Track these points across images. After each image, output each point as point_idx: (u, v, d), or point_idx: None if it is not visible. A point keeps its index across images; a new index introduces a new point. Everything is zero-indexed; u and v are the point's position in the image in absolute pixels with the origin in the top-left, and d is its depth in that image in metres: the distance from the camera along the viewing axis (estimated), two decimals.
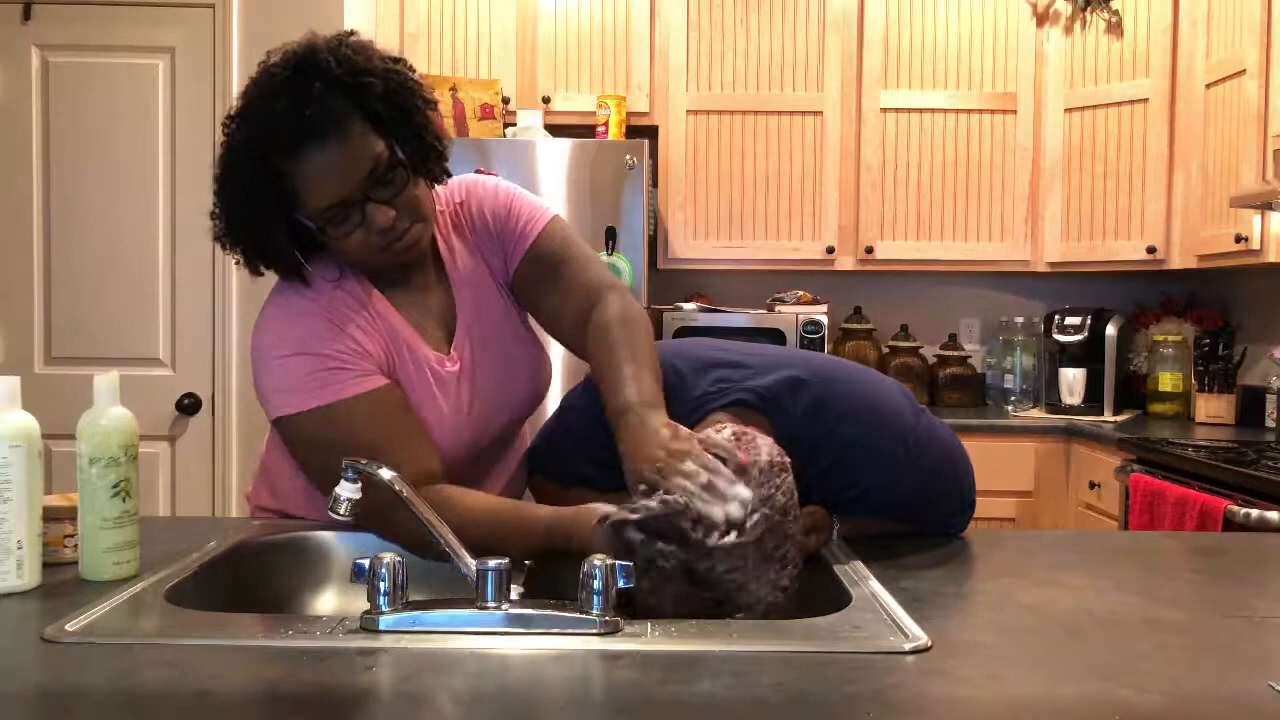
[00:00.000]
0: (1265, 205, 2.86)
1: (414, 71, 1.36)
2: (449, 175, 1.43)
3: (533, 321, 1.54)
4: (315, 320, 1.32)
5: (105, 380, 1.15)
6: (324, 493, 1.28)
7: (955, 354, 3.90)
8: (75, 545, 1.18)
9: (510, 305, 1.50)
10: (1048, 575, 1.24)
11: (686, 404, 1.33)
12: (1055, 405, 3.69)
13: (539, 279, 1.46)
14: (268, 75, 1.27)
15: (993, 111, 3.70)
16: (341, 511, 1.11)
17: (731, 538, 1.08)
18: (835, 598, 1.12)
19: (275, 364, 1.31)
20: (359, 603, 1.01)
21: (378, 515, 1.22)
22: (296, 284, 1.36)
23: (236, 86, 3.23)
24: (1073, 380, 3.66)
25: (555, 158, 3.32)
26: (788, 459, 1.17)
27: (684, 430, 1.20)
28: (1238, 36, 3.09)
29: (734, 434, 1.17)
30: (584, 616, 0.98)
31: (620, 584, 0.99)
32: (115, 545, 1.15)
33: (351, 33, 1.34)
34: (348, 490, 1.11)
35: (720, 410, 1.30)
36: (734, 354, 1.39)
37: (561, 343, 1.49)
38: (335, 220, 1.28)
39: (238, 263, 1.36)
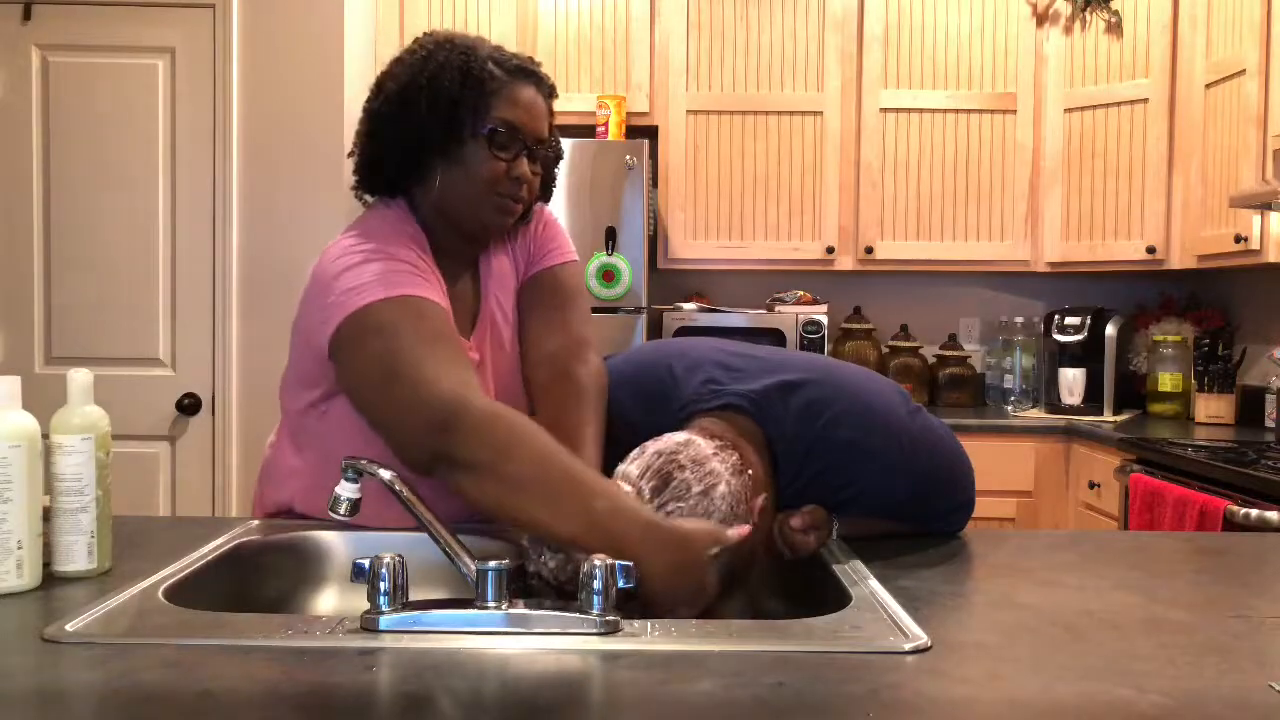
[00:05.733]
0: (1265, 205, 2.86)
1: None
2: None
3: None
4: (387, 242, 1.38)
5: (78, 377, 1.16)
6: (376, 406, 1.29)
7: (955, 354, 3.90)
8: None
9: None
10: (1048, 575, 1.24)
11: (675, 404, 1.33)
12: (1055, 405, 3.69)
13: (538, 301, 1.54)
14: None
15: (993, 111, 3.70)
16: (341, 512, 1.11)
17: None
18: (835, 598, 1.12)
19: (347, 271, 1.33)
20: (359, 603, 1.01)
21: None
22: (369, 222, 1.43)
23: (237, 86, 3.24)
24: (1072, 380, 3.66)
25: None
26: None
27: None
28: (1238, 36, 3.09)
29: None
30: (584, 616, 0.98)
31: (620, 584, 0.99)
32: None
33: None
34: (348, 490, 1.11)
35: (708, 414, 1.30)
36: (730, 356, 1.39)
37: (524, 368, 1.52)
38: (502, 141, 1.40)
39: (355, 181, 1.49)
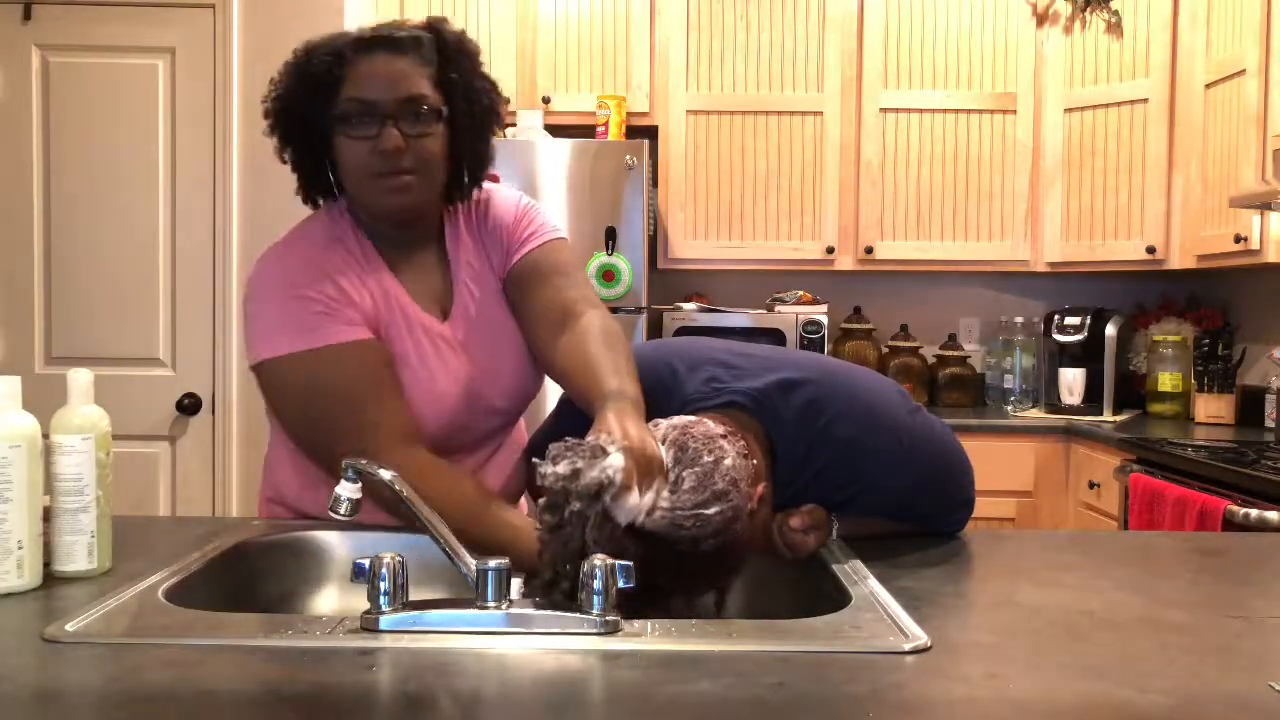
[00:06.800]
0: (1265, 205, 2.86)
1: (502, 94, 1.49)
2: (478, 186, 1.50)
3: None
4: (307, 267, 1.37)
5: (78, 377, 1.16)
6: (303, 447, 1.39)
7: (955, 354, 3.90)
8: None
9: (507, 305, 1.53)
10: (1048, 575, 1.24)
11: (677, 402, 1.33)
12: (1055, 405, 3.69)
13: (529, 284, 1.50)
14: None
15: (992, 111, 3.70)
16: (342, 512, 1.11)
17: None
18: (835, 598, 1.12)
19: (264, 306, 1.36)
20: (359, 603, 1.01)
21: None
22: (297, 234, 1.44)
23: (237, 86, 3.24)
24: (1072, 380, 3.66)
25: (555, 158, 3.32)
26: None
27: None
28: (1238, 36, 3.09)
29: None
30: (584, 616, 0.98)
31: (620, 584, 0.99)
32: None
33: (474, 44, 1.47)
34: (348, 490, 1.11)
35: (710, 412, 1.30)
36: (731, 355, 1.38)
37: (534, 353, 1.50)
38: (356, 122, 1.34)
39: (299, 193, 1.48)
